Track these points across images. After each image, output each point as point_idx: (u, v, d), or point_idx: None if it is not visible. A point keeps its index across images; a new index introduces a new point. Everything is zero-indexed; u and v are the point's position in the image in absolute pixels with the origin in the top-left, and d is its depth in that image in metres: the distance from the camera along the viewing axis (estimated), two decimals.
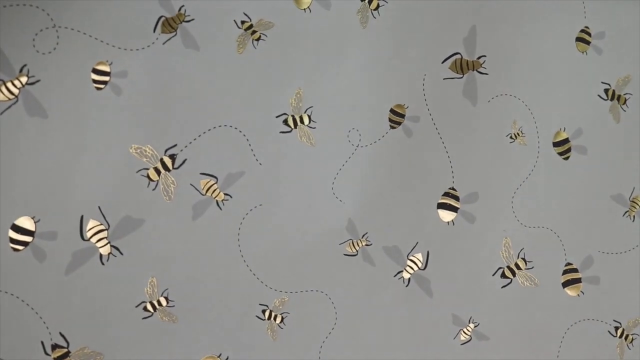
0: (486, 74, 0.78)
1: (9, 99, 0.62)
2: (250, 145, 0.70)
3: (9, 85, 0.61)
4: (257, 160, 0.70)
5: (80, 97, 0.64)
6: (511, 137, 0.79)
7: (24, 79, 0.62)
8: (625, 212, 0.84)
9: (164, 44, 0.66)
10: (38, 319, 0.64)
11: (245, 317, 0.71)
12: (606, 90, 0.83)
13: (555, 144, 0.81)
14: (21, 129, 0.62)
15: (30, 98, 0.62)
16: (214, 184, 0.69)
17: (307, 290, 0.73)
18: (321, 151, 0.72)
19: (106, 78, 0.64)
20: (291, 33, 0.70)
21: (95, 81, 0.64)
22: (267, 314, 0.71)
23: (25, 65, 0.62)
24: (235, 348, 0.70)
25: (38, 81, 0.62)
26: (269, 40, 0.70)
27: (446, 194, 0.77)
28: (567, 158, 0.82)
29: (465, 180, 0.77)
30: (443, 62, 0.76)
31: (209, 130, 0.68)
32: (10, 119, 0.62)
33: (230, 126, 0.69)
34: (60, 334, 0.65)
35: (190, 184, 0.68)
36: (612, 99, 0.83)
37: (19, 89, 0.62)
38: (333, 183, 0.73)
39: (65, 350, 0.65)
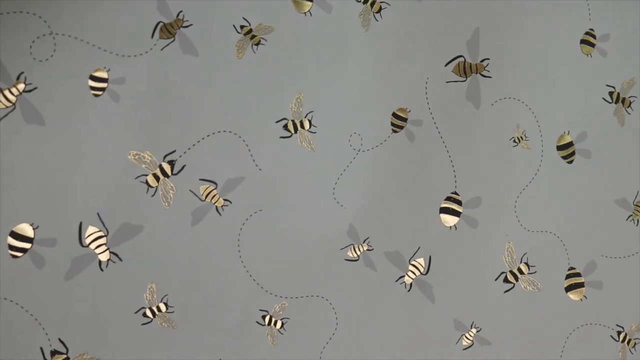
0: (489, 77, 0.77)
1: (7, 107, 0.61)
2: (249, 150, 0.69)
3: (6, 92, 0.61)
4: (256, 165, 0.70)
5: (78, 103, 0.63)
6: (514, 141, 0.78)
7: (21, 87, 0.62)
8: (629, 217, 0.83)
9: (162, 49, 0.66)
10: (37, 325, 0.64)
11: (245, 323, 0.70)
12: (611, 93, 0.82)
13: (559, 148, 0.80)
14: (19, 136, 0.62)
15: (28, 105, 0.62)
16: (213, 190, 0.68)
17: (308, 295, 0.72)
18: (322, 156, 0.72)
19: (104, 85, 0.64)
20: (291, 37, 0.70)
21: (92, 88, 0.64)
22: (267, 319, 0.71)
23: (22, 73, 0.62)
24: (235, 353, 0.70)
25: (35, 88, 0.62)
26: (268, 44, 0.69)
27: (449, 199, 0.76)
28: (571, 162, 0.81)
29: (468, 184, 0.77)
30: (446, 65, 0.76)
31: (208, 135, 0.68)
32: (7, 127, 0.62)
33: (230, 132, 0.69)
34: (60, 340, 0.65)
35: (190, 190, 0.68)
36: (616, 102, 0.82)
37: (16, 96, 0.62)
38: (334, 188, 0.72)
39: (65, 356, 0.65)
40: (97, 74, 0.64)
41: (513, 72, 0.78)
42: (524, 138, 0.79)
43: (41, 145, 0.63)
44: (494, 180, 0.78)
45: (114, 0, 0.64)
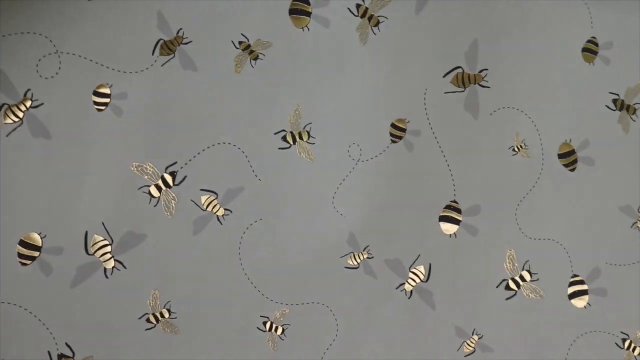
0: (488, 87, 0.78)
1: (14, 122, 0.65)
2: (249, 161, 0.72)
3: (14, 109, 0.65)
4: (256, 176, 0.72)
5: (83, 118, 0.67)
6: (514, 150, 0.79)
7: (28, 103, 0.65)
8: (634, 224, 0.83)
9: (162, 65, 0.69)
10: (45, 330, 0.67)
11: (246, 328, 0.72)
12: (615, 101, 0.82)
13: (561, 156, 0.81)
14: (26, 150, 0.65)
15: (35, 120, 0.66)
16: (214, 200, 0.71)
17: (308, 302, 0.74)
18: (321, 166, 0.74)
19: (107, 100, 0.67)
20: (289, 51, 0.72)
21: (96, 103, 0.67)
22: (267, 325, 0.73)
23: (29, 90, 0.65)
24: (236, 358, 0.72)
25: (42, 104, 0.65)
26: (267, 59, 0.72)
27: (448, 207, 0.78)
28: (573, 169, 0.81)
29: (467, 193, 0.78)
30: (444, 77, 0.77)
31: (208, 147, 0.70)
32: (16, 141, 0.65)
33: (229, 143, 0.71)
34: (66, 344, 0.67)
35: (191, 200, 0.70)
36: (621, 109, 0.83)
37: (23, 112, 0.65)
38: (333, 197, 0.74)
39: (71, 359, 0.68)
40: (100, 90, 0.67)
41: (512, 82, 0.79)
42: (523, 147, 0.80)
43: (48, 158, 0.66)
44: (494, 189, 0.79)
45: (116, 19, 0.67)
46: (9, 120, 0.65)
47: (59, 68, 0.66)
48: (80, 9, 0.66)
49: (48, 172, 0.66)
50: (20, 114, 0.65)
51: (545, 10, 0.79)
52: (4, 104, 0.65)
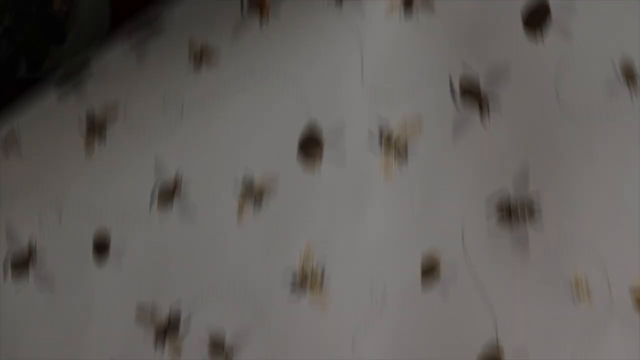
0: (540, 220, 0.68)
1: (19, 275, 0.69)
2: (257, 304, 0.69)
3: (18, 257, 0.69)
4: (265, 318, 0.69)
5: (84, 266, 0.70)
6: (573, 296, 0.68)
7: (31, 254, 0.69)
8: None
9: (161, 211, 0.69)
10: None
11: None
12: None
13: (636, 299, 0.68)
14: (31, 299, 0.69)
15: (39, 270, 0.69)
16: (221, 341, 0.69)
17: None
18: (337, 310, 0.69)
19: (107, 249, 0.69)
20: (299, 195, 0.69)
21: (96, 251, 0.69)
22: None
23: (32, 239, 0.68)
24: None
25: (45, 252, 0.69)
26: (274, 202, 0.69)
27: (489, 357, 0.69)
28: None
29: (513, 344, 0.68)
30: (486, 209, 0.68)
31: (213, 289, 0.69)
32: (22, 292, 0.69)
33: (235, 285, 0.70)
34: None
35: (197, 340, 0.69)
36: None
37: (28, 261, 0.69)
38: (352, 343, 0.69)
39: None
40: (100, 240, 0.69)
41: (572, 215, 0.68)
42: (585, 290, 0.68)
43: (53, 307, 0.70)
44: (546, 339, 0.68)
45: (114, 172, 0.69)
46: (13, 274, 0.69)
47: (60, 221, 0.69)
48: (79, 164, 0.68)
49: (52, 321, 0.70)
50: (24, 264, 0.69)
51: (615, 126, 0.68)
52: (8, 253, 0.69)
